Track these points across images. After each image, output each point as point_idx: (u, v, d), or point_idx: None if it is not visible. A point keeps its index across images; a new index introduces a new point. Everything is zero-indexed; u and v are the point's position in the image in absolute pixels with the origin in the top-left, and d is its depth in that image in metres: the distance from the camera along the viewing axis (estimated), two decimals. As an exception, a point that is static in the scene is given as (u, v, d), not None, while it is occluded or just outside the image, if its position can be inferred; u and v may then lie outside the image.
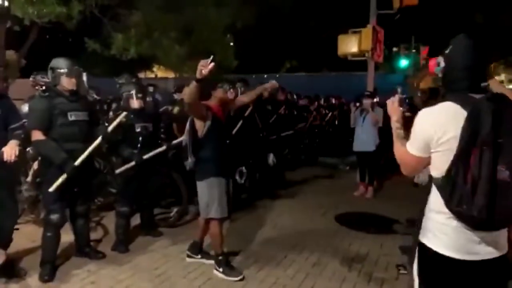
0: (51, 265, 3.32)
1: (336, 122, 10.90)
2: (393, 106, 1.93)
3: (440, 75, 1.80)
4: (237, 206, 5.44)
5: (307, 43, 16.23)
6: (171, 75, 19.26)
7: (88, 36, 9.07)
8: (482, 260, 1.61)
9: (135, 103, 3.80)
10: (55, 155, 3.19)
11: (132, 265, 3.63)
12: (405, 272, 3.49)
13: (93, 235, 4.06)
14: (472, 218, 1.51)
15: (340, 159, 9.55)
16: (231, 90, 3.58)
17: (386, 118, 6.26)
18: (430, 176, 1.71)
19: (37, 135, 3.20)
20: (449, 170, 1.56)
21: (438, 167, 1.64)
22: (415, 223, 4.29)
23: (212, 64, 2.73)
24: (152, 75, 21.45)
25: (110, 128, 3.39)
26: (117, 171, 3.73)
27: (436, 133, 1.62)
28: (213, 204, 3.26)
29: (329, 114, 10.28)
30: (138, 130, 3.87)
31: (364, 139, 6.04)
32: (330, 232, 4.55)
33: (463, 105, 1.58)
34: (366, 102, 5.95)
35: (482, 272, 1.64)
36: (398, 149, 1.83)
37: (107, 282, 3.30)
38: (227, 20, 9.51)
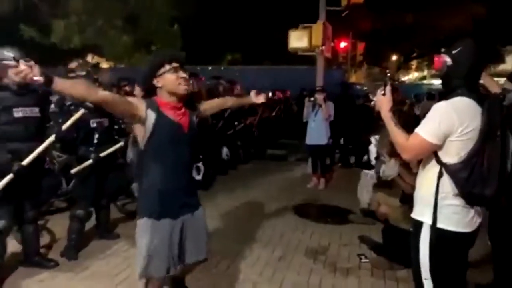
0: (-3, 278, 2.97)
1: (282, 115, 11.15)
2: (383, 97, 2.05)
3: (443, 72, 2.01)
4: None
5: (250, 35, 16.23)
6: (105, 65, 18.19)
7: (23, 22, 8.11)
8: (475, 229, 1.98)
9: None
10: None
11: (90, 272, 3.37)
12: (367, 260, 3.68)
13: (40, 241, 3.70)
14: (482, 196, 1.85)
15: (288, 151, 9.80)
16: (186, 75, 2.15)
17: (338, 111, 6.51)
18: (444, 165, 1.90)
19: None
20: (469, 157, 1.85)
21: (456, 155, 1.88)
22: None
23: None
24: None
25: (64, 127, 3.08)
26: (73, 171, 3.41)
27: (462, 124, 1.85)
28: (141, 258, 2.14)
29: (277, 108, 10.44)
30: (93, 126, 3.58)
31: (317, 132, 6.21)
32: (290, 225, 4.63)
33: (478, 101, 1.89)
34: (319, 96, 6.11)
35: (473, 239, 2.02)
36: (397, 135, 1.99)
37: (64, 293, 3.05)
38: (173, 10, 9.15)
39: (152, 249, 2.13)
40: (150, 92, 2.16)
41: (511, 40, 14.93)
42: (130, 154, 2.25)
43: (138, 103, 2.07)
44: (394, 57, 26.48)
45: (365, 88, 14.87)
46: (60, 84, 1.81)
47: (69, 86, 1.88)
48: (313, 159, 6.54)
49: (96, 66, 4.07)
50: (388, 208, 4.28)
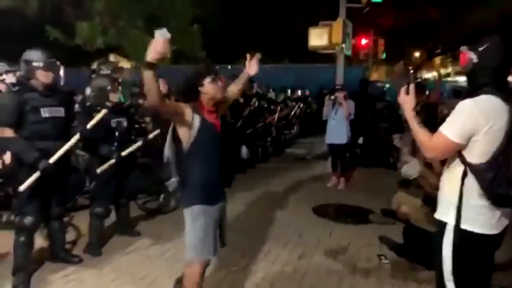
0: (25, 273, 3.08)
1: (301, 114, 11.09)
2: (407, 96, 2.03)
3: (468, 69, 1.95)
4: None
5: (270, 34, 16.16)
6: (126, 65, 18.46)
7: (48, 24, 8.34)
8: (501, 232, 1.93)
9: (112, 97, 3.59)
10: (26, 153, 2.95)
11: (113, 268, 3.45)
12: (387, 261, 3.63)
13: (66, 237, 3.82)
14: (508, 197, 1.79)
15: (308, 150, 9.74)
16: (219, 80, 2.51)
17: (358, 110, 6.41)
18: (468, 164, 1.85)
19: (5, 133, 2.93)
20: (495, 157, 1.80)
21: (481, 154, 1.83)
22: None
23: (168, 35, 1.97)
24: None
25: (89, 125, 3.17)
26: (99, 170, 3.51)
27: (487, 123, 1.79)
28: (194, 241, 2.41)
29: (296, 106, 10.39)
30: (114, 126, 3.66)
31: (336, 131, 6.14)
32: (310, 224, 4.61)
33: (504, 100, 1.82)
34: (339, 95, 6.04)
35: (499, 241, 1.97)
36: (421, 134, 1.97)
37: (88, 288, 3.13)
38: (193, 9, 9.24)
39: (206, 231, 2.42)
40: (191, 97, 2.43)
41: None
42: (168, 153, 2.52)
43: (186, 108, 2.35)
44: (417, 54, 25.87)
45: (387, 85, 14.61)
46: (153, 73, 2.04)
47: (154, 79, 2.07)
48: (333, 158, 6.48)
49: (116, 67, 4.18)
50: (409, 208, 4.21)
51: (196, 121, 2.36)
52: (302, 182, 6.66)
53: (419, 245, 3.47)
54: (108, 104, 3.39)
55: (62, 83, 3.21)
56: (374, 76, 22.67)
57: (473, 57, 1.92)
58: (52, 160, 3.00)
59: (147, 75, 2.04)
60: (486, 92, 1.84)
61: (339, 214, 5.07)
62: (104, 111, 3.24)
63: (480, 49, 1.90)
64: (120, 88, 3.63)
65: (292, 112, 10.06)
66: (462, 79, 17.24)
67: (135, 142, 3.83)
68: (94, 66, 4.56)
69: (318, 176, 6.99)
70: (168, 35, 1.96)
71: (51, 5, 8.02)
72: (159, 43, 1.95)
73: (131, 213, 4.35)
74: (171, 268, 3.42)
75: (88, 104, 3.68)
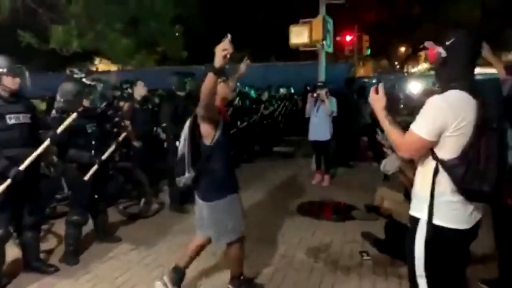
0: (-3, 286, 3.00)
1: (286, 112, 11.05)
2: (377, 96, 2.02)
3: (438, 64, 1.94)
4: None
5: (255, 33, 16.13)
6: (113, 67, 18.18)
7: (21, 28, 8.13)
8: (473, 226, 1.91)
9: (85, 102, 3.50)
10: None
11: (91, 276, 3.38)
12: (369, 258, 3.61)
13: (43, 246, 3.73)
14: (481, 192, 1.77)
15: (295, 148, 9.73)
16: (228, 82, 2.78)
17: (340, 107, 6.37)
18: (440, 160, 1.84)
19: None
20: (465, 152, 1.79)
21: (452, 150, 1.81)
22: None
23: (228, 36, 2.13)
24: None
25: (59, 130, 3.08)
26: (86, 177, 3.43)
27: (456, 119, 1.78)
28: (236, 223, 2.80)
29: (281, 105, 10.37)
30: (89, 131, 3.58)
31: (319, 128, 6.13)
32: (293, 223, 4.58)
33: (471, 94, 1.81)
34: (321, 92, 6.02)
35: (472, 235, 1.95)
36: (392, 133, 1.95)
37: (64, 298, 3.06)
38: (174, 10, 9.14)
39: (241, 214, 2.85)
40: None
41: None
42: (182, 149, 2.66)
43: (216, 109, 2.60)
44: (402, 49, 26.09)
45: (373, 81, 14.69)
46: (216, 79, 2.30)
47: (216, 84, 2.35)
48: (316, 155, 6.46)
49: (90, 70, 4.11)
50: (391, 203, 4.20)
51: (221, 119, 2.64)
52: (287, 181, 6.64)
53: (400, 240, 3.45)
54: (79, 109, 3.31)
55: (29, 88, 3.11)
56: (361, 72, 22.77)
57: (442, 51, 1.91)
58: (22, 167, 2.92)
59: (213, 80, 2.26)
60: (454, 87, 1.84)
61: (323, 211, 5.06)
62: (73, 116, 3.16)
63: (447, 43, 1.89)
64: (91, 91, 3.54)
65: (277, 111, 10.02)
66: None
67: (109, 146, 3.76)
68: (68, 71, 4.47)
69: (304, 174, 6.97)
70: (228, 36, 2.15)
71: (25, 9, 7.83)
72: (225, 43, 2.13)
73: (111, 218, 4.28)
74: (150, 274, 3.36)
75: (58, 109, 3.58)
